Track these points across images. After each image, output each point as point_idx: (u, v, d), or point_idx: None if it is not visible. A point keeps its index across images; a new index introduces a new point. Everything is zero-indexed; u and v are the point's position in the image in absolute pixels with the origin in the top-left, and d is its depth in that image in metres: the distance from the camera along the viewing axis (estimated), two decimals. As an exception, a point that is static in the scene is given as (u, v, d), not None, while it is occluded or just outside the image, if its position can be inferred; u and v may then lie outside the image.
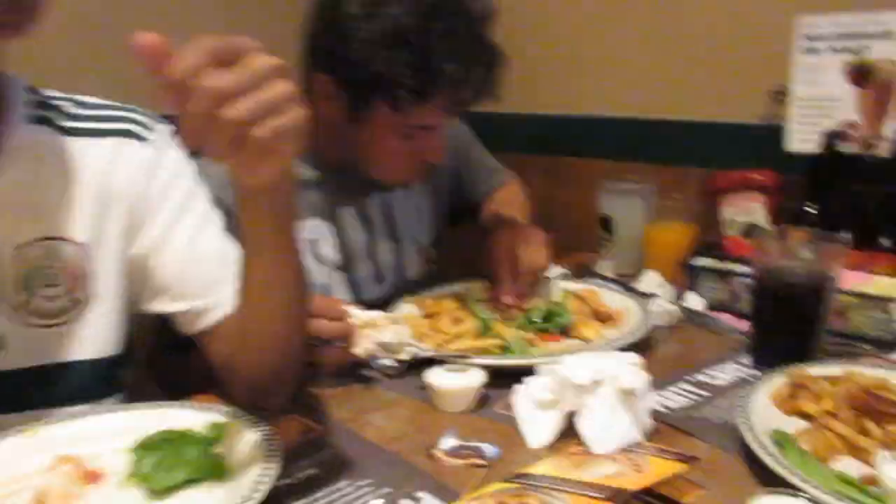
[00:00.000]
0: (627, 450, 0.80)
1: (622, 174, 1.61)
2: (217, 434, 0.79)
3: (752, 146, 1.52)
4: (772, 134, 1.42)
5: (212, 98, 0.57)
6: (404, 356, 1.01)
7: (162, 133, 0.94)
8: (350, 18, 1.05)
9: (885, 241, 1.33)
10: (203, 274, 0.92)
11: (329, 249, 1.26)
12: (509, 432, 0.88)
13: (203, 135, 0.58)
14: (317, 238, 1.25)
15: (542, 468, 0.76)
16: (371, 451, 0.84)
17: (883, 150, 1.34)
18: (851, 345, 1.15)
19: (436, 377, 0.95)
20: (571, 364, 0.88)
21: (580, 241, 1.55)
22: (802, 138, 1.43)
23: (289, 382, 0.91)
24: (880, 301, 1.16)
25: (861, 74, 1.36)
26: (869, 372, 0.95)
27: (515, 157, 1.66)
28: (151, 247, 0.91)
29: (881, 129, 1.34)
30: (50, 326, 0.86)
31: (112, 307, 0.91)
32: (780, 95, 1.46)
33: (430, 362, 1.00)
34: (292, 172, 0.77)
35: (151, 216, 0.91)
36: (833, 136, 1.38)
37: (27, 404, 0.86)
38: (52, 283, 0.85)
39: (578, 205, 1.76)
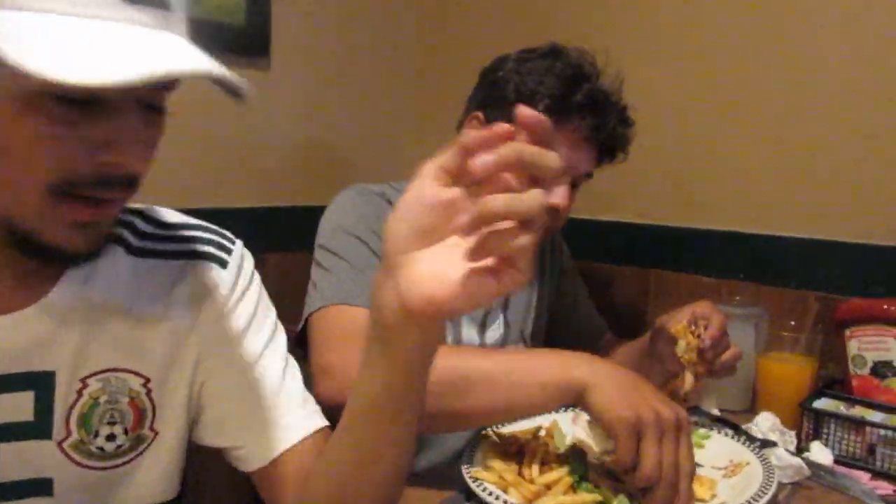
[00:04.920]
0: None
1: (725, 294, 1.45)
2: None
3: (886, 271, 1.33)
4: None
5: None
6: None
7: (238, 252, 0.84)
8: (505, 73, 1.20)
9: None
10: (255, 410, 0.81)
11: None
12: None
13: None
14: None
15: None
16: None
17: None
18: None
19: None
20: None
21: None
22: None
23: None
24: None
25: None
26: None
27: (601, 266, 1.51)
28: (212, 372, 0.81)
29: None
30: (105, 469, 0.75)
31: (172, 446, 0.80)
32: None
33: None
34: None
35: (220, 341, 0.81)
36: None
37: None
38: (113, 421, 0.75)
39: (673, 325, 1.58)
